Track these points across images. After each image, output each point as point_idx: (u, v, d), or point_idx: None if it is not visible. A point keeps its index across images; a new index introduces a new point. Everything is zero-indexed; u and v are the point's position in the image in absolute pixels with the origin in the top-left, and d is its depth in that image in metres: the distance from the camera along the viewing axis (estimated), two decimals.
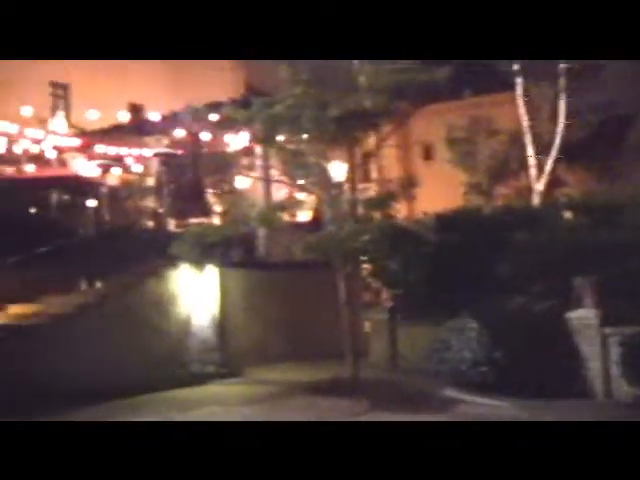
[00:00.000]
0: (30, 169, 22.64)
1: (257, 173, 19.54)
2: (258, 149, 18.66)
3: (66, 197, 21.49)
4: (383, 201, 14.93)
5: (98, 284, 15.57)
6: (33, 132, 23.21)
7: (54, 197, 20.69)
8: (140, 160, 23.33)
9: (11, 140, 22.22)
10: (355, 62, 14.85)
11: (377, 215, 14.90)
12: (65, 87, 30.60)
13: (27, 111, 23.64)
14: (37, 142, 22.90)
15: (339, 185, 14.85)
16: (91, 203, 20.53)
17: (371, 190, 18.12)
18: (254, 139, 16.93)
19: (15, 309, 14.51)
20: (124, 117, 24.67)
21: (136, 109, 29.54)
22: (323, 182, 14.74)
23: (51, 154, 22.99)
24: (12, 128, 22.25)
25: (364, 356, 15.74)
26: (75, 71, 29.00)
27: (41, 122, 24.99)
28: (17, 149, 22.37)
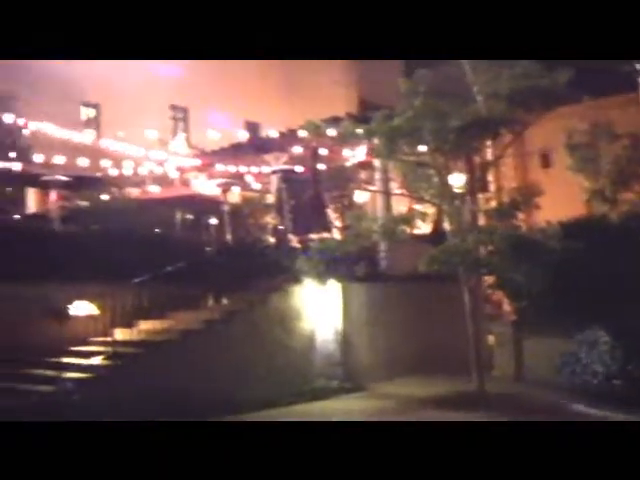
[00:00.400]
0: (154, 190, 23.44)
1: (376, 186, 19.60)
2: (377, 162, 18.73)
3: (189, 216, 22.06)
4: (507, 211, 14.71)
5: (224, 301, 15.89)
6: (156, 154, 24.08)
7: (178, 216, 21.26)
8: (259, 177, 23.75)
9: (137, 163, 23.10)
10: (472, 70, 14.77)
11: (500, 225, 14.69)
12: (184, 110, 31.60)
13: (151, 134, 24.51)
14: (160, 163, 23.72)
15: (460, 196, 14.74)
16: (213, 221, 20.98)
17: (491, 200, 17.86)
18: (373, 153, 16.97)
19: (146, 325, 15.01)
20: (242, 136, 25.19)
21: (253, 127, 30.17)
22: (444, 193, 14.67)
23: (174, 174, 23.75)
24: (138, 151, 23.16)
25: (489, 369, 15.53)
26: (193, 93, 29.93)
27: (163, 144, 25.86)
28: (142, 171, 23.23)
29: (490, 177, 22.81)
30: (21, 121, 20.52)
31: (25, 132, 20.71)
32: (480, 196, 15.99)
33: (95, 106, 29.04)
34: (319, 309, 15.82)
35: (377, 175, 19.19)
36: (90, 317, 14.23)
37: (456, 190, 14.88)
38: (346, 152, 20.29)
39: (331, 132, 15.92)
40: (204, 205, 21.82)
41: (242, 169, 23.37)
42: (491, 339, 16.83)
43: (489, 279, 16.90)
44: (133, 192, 23.79)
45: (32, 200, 22.84)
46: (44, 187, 20.48)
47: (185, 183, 24.50)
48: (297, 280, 15.58)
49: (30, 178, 20.05)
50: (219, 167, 23.45)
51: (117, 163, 23.04)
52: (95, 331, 14.43)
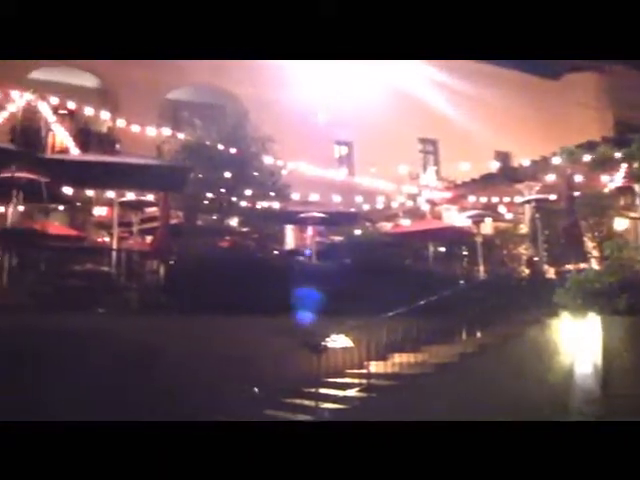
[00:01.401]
0: (406, 223, 23.72)
1: (637, 213, 18.55)
2: (638, 187, 17.74)
3: (441, 248, 22.02)
4: None
5: (478, 334, 15.62)
6: (407, 188, 24.42)
7: (430, 249, 21.29)
8: (512, 208, 23.30)
9: (388, 197, 23.57)
10: None
11: None
12: (434, 142, 31.86)
13: (402, 169, 24.92)
14: (411, 197, 24.02)
15: None
16: (466, 253, 20.79)
17: None
18: (633, 177, 16.07)
19: (400, 358, 15.07)
20: (493, 166, 24.89)
21: (504, 157, 29.74)
22: None
23: (425, 207, 23.93)
24: (389, 186, 23.64)
25: None
26: (441, 125, 30.12)
27: (414, 178, 26.19)
28: (394, 205, 23.67)
29: None
30: (280, 162, 21.62)
31: (284, 172, 21.79)
32: None
33: (347, 144, 30.09)
34: (577, 343, 15.09)
35: (638, 201, 18.17)
36: (346, 350, 14.55)
37: None
38: (603, 178, 19.37)
39: (586, 158, 15.27)
40: (456, 237, 21.72)
41: (494, 200, 23.08)
42: None
43: None
44: (385, 226, 24.25)
45: (290, 236, 23.97)
46: (301, 224, 21.38)
47: (437, 215, 24.59)
48: (554, 313, 14.99)
49: (288, 215, 21.00)
50: (470, 198, 23.32)
51: (369, 198, 23.64)
52: (351, 363, 14.74)
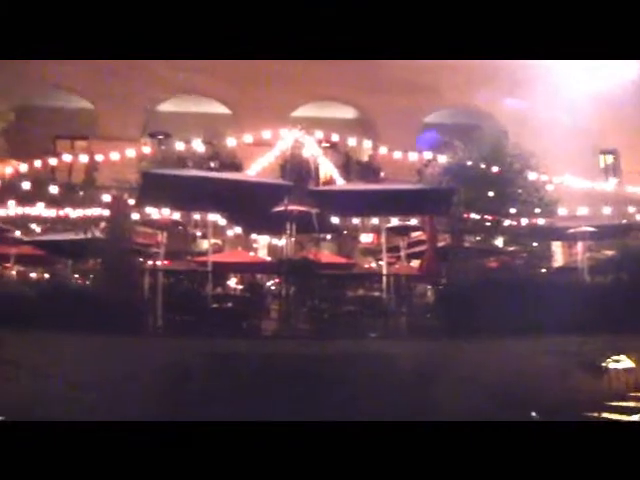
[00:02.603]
0: None
1: None
2: None
3: None
4: None
5: None
6: None
7: None
8: None
9: None
10: None
11: None
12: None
13: None
14: None
15: None
16: None
17: None
18: None
19: None
20: None
21: None
22: None
23: None
24: None
25: None
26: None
27: None
28: None
29: None
30: (544, 177, 21.07)
31: (549, 187, 21.18)
32: None
33: (612, 152, 28.91)
34: None
35: None
36: (629, 371, 13.85)
37: None
38: None
39: None
40: None
41: None
42: None
43: None
44: None
45: (559, 253, 23.29)
46: (570, 239, 20.70)
47: None
48: None
49: (556, 232, 20.43)
50: None
51: None
52: (635, 386, 13.98)
